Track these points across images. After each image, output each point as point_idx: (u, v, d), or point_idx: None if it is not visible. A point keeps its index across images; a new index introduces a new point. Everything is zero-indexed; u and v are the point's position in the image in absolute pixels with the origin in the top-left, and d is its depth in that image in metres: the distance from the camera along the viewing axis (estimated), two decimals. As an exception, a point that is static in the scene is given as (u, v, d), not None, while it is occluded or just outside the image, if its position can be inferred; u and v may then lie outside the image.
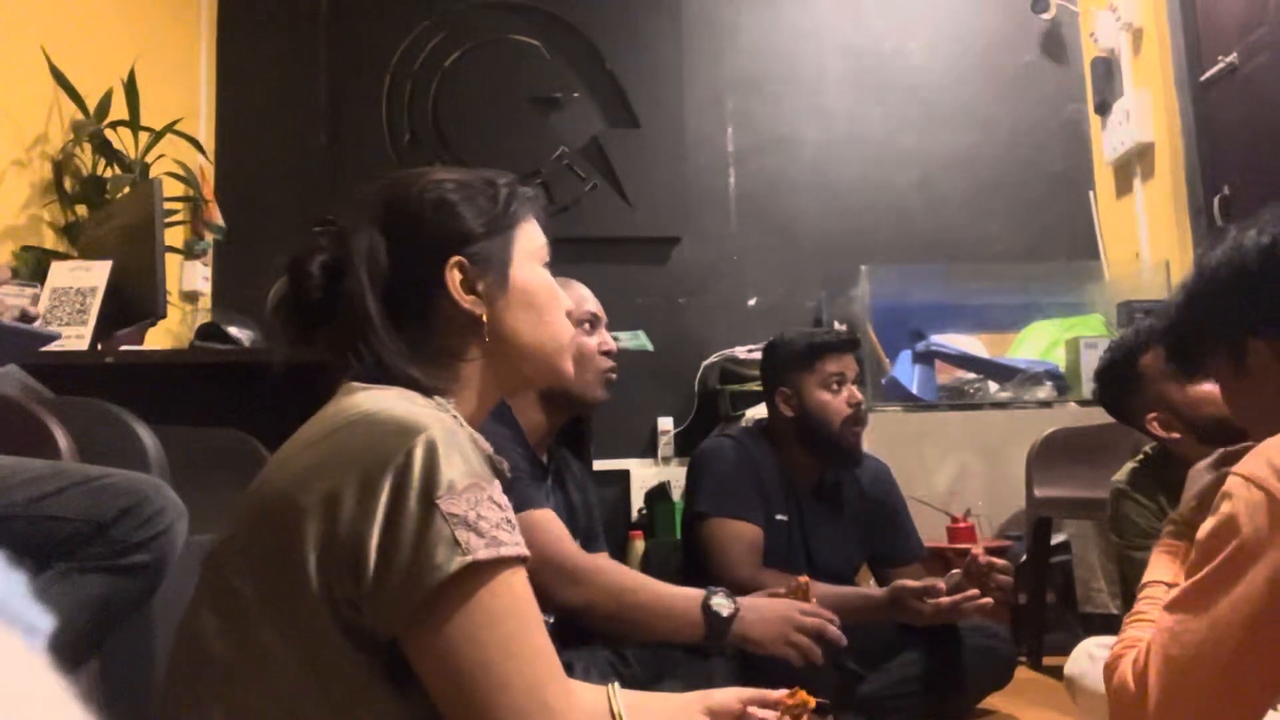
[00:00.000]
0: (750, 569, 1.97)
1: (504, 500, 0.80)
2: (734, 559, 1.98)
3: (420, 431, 0.77)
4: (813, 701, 1.09)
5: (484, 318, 0.92)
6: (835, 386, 2.12)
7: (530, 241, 0.98)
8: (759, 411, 2.77)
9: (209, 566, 0.83)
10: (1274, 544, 0.80)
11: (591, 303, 1.76)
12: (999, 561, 1.85)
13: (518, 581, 0.78)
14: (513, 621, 0.77)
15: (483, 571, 0.75)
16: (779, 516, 2.13)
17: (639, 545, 3.19)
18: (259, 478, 0.84)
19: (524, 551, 0.79)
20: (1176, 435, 1.75)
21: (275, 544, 0.77)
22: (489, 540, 0.75)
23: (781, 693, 1.09)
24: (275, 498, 0.79)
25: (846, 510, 2.21)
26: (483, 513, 0.76)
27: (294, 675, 0.75)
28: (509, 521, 0.79)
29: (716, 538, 2.03)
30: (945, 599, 1.82)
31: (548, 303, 0.97)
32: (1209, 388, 1.69)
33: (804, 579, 1.60)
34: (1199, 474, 1.15)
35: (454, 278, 0.91)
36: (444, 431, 0.78)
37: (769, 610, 1.53)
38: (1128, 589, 1.83)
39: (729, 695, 1.06)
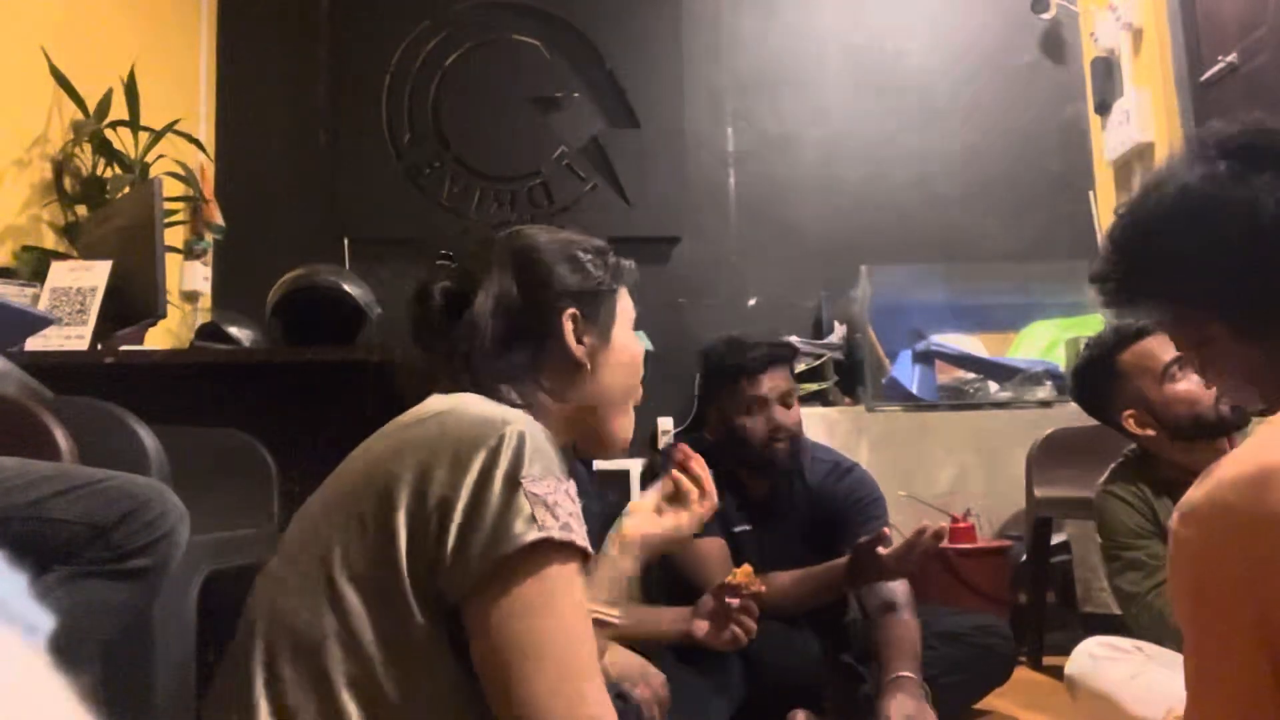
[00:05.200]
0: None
1: (576, 499, 0.86)
2: (709, 578, 1.95)
3: (511, 423, 0.85)
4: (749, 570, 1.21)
5: (588, 367, 1.01)
6: (756, 409, 2.05)
7: (626, 306, 1.08)
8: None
9: (293, 530, 0.89)
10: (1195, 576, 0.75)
11: None
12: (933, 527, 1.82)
13: (577, 574, 0.84)
14: (567, 607, 0.82)
15: (553, 550, 0.81)
16: (738, 529, 2.11)
17: (639, 545, 3.19)
18: (345, 461, 0.91)
19: (589, 549, 0.85)
20: (1151, 433, 1.76)
21: (367, 509, 0.83)
22: (563, 524, 0.82)
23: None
24: (368, 469, 0.86)
25: (798, 512, 2.17)
26: (559, 500, 0.83)
27: (366, 637, 0.79)
28: (579, 517, 0.85)
29: (685, 560, 2.04)
30: (899, 545, 1.83)
31: (635, 365, 1.07)
32: (1185, 386, 1.71)
33: (742, 570, 1.61)
34: None
35: (568, 327, 1.00)
36: (531, 426, 0.86)
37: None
38: (1114, 590, 1.83)
39: (643, 500, 1.19)
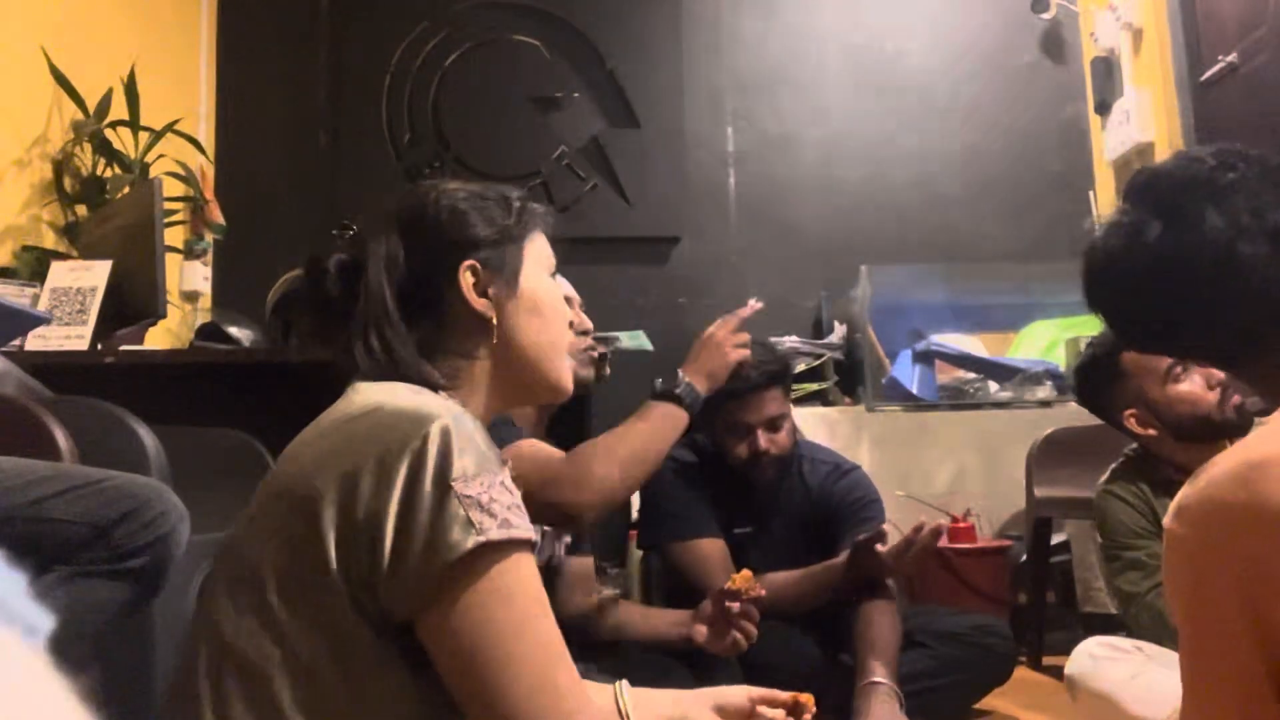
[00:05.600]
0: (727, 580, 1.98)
1: (513, 487, 0.83)
2: (710, 579, 1.96)
3: (434, 419, 0.80)
4: (811, 699, 1.10)
5: (494, 320, 0.96)
6: (741, 433, 2.05)
7: (539, 252, 1.03)
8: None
9: (225, 554, 0.85)
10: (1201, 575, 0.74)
11: (564, 285, 1.76)
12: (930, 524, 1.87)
13: (527, 565, 0.81)
14: (523, 602, 0.79)
15: (495, 551, 0.78)
16: (739, 530, 2.12)
17: (639, 545, 3.18)
18: (273, 469, 0.87)
19: (533, 537, 0.81)
20: (1153, 432, 1.77)
21: (294, 528, 0.79)
22: (501, 521, 0.78)
23: (789, 695, 1.10)
24: (292, 484, 0.81)
25: (797, 512, 2.17)
26: (495, 495, 0.79)
27: (312, 657, 0.77)
28: (519, 507, 0.81)
29: (685, 561, 2.04)
30: (898, 542, 1.84)
31: (553, 311, 1.01)
32: (1187, 387, 1.71)
33: (741, 575, 1.63)
34: None
35: (467, 280, 0.95)
36: (456, 420, 0.81)
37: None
38: (1114, 590, 1.84)
39: (739, 692, 1.09)
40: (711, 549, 2.04)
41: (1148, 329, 1.00)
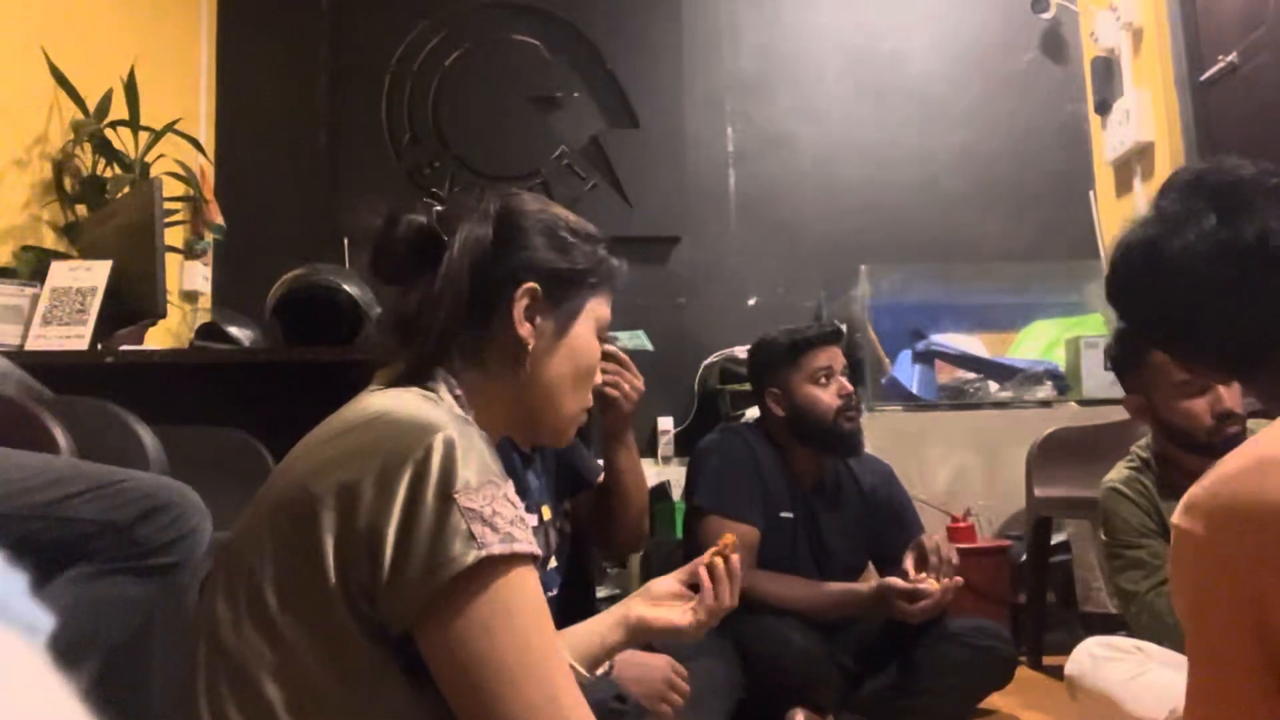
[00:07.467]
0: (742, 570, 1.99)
1: (517, 500, 0.82)
2: None
3: (439, 430, 0.78)
4: (733, 538, 1.15)
5: (529, 348, 0.94)
6: (823, 380, 2.11)
7: (599, 310, 1.01)
8: (758, 411, 2.77)
9: (225, 557, 0.84)
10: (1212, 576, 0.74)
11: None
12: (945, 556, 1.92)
13: (530, 579, 0.79)
14: (525, 617, 0.78)
15: (497, 566, 0.76)
16: (783, 514, 2.13)
17: (639, 545, 3.18)
18: (274, 472, 0.86)
19: (536, 550, 0.80)
20: (1143, 423, 1.83)
21: (293, 535, 0.78)
22: (504, 536, 0.77)
23: (709, 554, 1.15)
24: (293, 489, 0.80)
25: (849, 508, 2.21)
26: (498, 509, 0.78)
27: (309, 665, 0.76)
28: (522, 520, 0.80)
29: (712, 535, 2.04)
30: (927, 602, 1.87)
31: (586, 372, 0.99)
32: (1191, 404, 1.73)
33: (727, 539, 1.65)
34: None
35: (521, 300, 0.93)
36: (461, 431, 0.80)
37: (646, 669, 1.53)
38: (1115, 588, 1.84)
39: (668, 579, 1.15)
40: (744, 537, 2.05)
41: (1171, 324, 0.99)
